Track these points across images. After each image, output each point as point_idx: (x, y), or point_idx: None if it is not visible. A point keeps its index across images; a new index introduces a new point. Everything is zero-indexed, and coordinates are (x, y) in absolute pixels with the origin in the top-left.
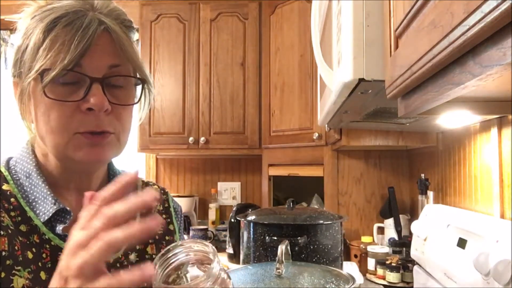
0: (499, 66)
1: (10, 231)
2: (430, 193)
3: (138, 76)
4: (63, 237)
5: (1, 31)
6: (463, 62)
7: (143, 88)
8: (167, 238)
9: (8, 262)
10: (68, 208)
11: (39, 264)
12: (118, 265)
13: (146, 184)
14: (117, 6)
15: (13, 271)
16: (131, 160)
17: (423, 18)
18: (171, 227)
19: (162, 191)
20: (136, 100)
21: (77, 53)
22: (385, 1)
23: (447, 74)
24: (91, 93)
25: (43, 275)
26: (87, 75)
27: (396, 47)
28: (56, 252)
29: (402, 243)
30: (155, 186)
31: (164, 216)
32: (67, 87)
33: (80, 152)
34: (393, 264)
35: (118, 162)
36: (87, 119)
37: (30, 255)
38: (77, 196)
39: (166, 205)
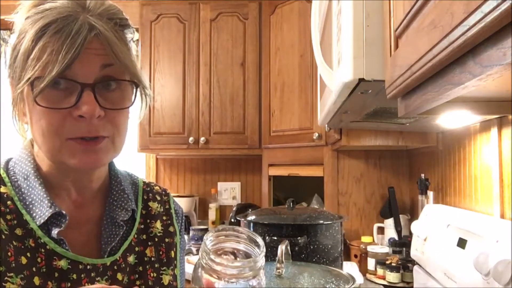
0: (499, 66)
1: (4, 237)
2: (430, 193)
3: (131, 79)
4: (59, 241)
5: (1, 31)
6: (463, 62)
7: (136, 91)
8: (166, 240)
9: (0, 268)
10: (63, 212)
11: (33, 269)
12: (115, 267)
13: (147, 185)
14: (112, 5)
15: (5, 278)
16: (131, 160)
17: (423, 18)
18: (171, 229)
19: (164, 193)
20: (130, 103)
21: (65, 63)
22: (385, 1)
23: (447, 74)
24: (82, 100)
25: (36, 280)
26: (78, 82)
27: (396, 47)
28: (51, 256)
29: (402, 243)
30: (157, 187)
31: (164, 218)
32: (59, 93)
33: (74, 158)
34: (393, 264)
35: (119, 162)
36: (78, 125)
37: (24, 260)
38: (76, 197)
39: (167, 206)
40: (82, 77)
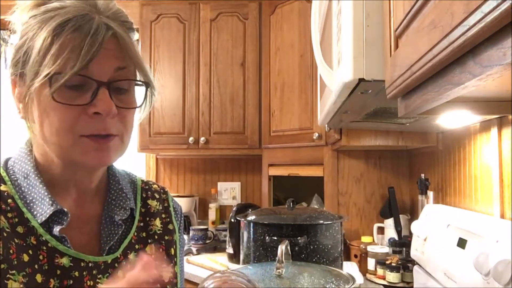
0: (499, 66)
1: (5, 234)
2: (430, 193)
3: (142, 79)
4: (60, 239)
5: (1, 31)
6: (463, 62)
7: (146, 91)
8: (166, 237)
9: (2, 266)
10: (65, 210)
11: (36, 266)
12: (116, 265)
13: (145, 183)
14: (120, 8)
15: (8, 275)
16: (131, 160)
17: (423, 18)
18: (170, 226)
19: (162, 191)
20: (139, 103)
21: (87, 59)
22: (385, 1)
23: (447, 74)
24: (98, 98)
25: (39, 277)
26: (94, 79)
27: (396, 47)
28: (53, 254)
29: (402, 243)
30: (155, 186)
31: (163, 215)
32: (73, 91)
33: (86, 156)
34: (393, 264)
35: (119, 162)
36: (93, 123)
37: (26, 258)
38: (77, 196)
39: (166, 204)
40: (97, 75)
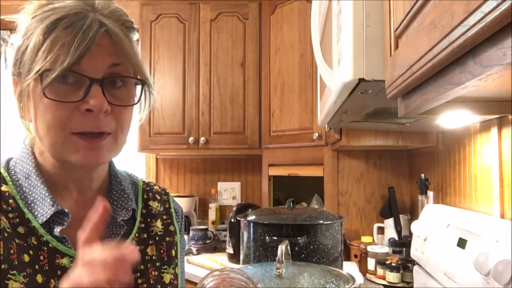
0: (499, 66)
1: (6, 234)
2: (430, 193)
3: (138, 77)
4: (61, 239)
5: (1, 31)
6: (463, 62)
7: (142, 89)
8: (167, 239)
9: (3, 266)
10: (66, 210)
11: (36, 266)
12: None
13: (147, 184)
14: (119, 7)
15: (8, 275)
16: (131, 160)
17: (423, 18)
18: (171, 228)
19: (163, 192)
20: (135, 100)
21: (77, 55)
22: (385, 1)
23: (447, 74)
24: (90, 94)
25: (39, 278)
26: (86, 76)
27: (396, 47)
28: (53, 254)
29: (402, 243)
30: (156, 187)
31: (164, 217)
32: (66, 87)
33: (77, 154)
34: (393, 264)
35: (119, 162)
36: (85, 120)
37: (26, 258)
38: (78, 197)
39: (167, 205)
40: (90, 72)
